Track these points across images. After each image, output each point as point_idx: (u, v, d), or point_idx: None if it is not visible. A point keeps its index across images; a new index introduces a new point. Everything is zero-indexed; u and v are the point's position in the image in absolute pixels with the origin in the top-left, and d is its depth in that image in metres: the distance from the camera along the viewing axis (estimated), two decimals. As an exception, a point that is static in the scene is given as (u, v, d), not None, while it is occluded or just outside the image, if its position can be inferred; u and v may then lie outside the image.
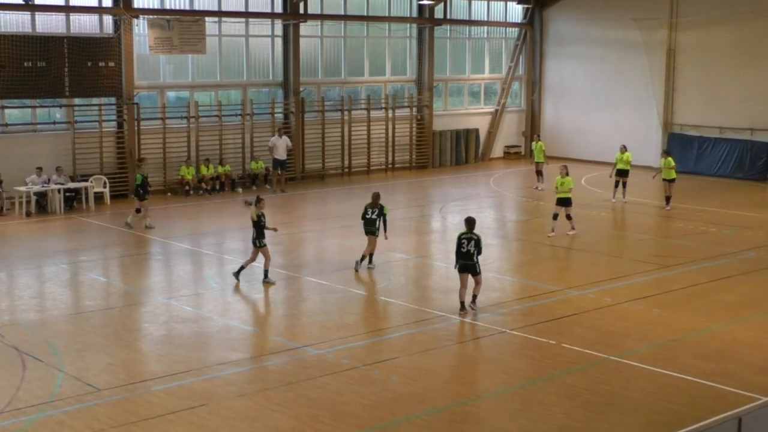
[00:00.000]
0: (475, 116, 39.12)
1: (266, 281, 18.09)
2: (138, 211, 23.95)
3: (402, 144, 36.35)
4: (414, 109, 36.68)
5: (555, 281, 18.49)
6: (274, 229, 18.89)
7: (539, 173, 31.00)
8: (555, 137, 39.48)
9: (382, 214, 19.28)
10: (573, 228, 23.39)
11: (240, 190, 30.69)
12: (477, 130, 38.86)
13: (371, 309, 16.69)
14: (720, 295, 17.69)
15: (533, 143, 31.89)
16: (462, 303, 16.09)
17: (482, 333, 15.01)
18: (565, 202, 23.25)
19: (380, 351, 14.09)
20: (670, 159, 27.25)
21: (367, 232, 19.37)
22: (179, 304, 16.72)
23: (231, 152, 31.65)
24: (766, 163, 33.40)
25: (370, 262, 19.52)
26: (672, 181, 27.07)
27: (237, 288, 17.84)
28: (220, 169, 30.63)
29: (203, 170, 30.26)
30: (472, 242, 15.76)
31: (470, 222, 16.08)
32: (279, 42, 32.67)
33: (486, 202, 29.01)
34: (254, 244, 18.12)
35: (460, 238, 15.91)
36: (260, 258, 18.35)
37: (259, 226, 18.00)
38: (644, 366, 13.47)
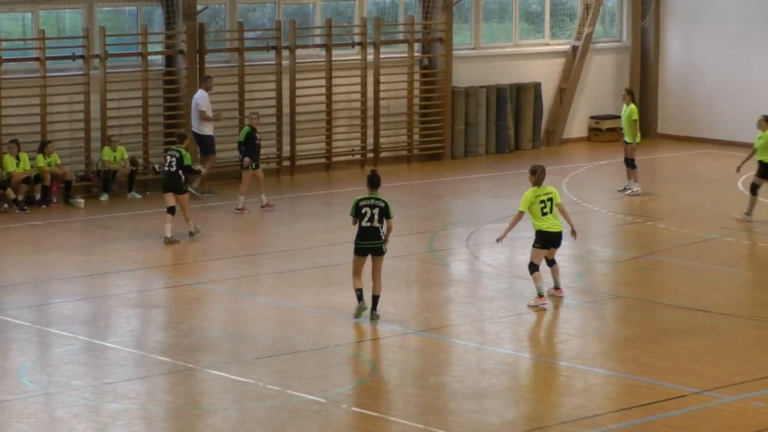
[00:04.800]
0: (533, 60, 39.45)
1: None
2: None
3: (394, 113, 36.55)
4: (417, 47, 36.96)
5: (687, 375, 18.65)
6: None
7: (630, 163, 31.44)
8: (685, 99, 39.75)
9: None
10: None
11: (79, 200, 30.65)
12: (538, 87, 39.15)
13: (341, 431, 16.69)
14: None
15: (623, 107, 32.37)
16: None
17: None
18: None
19: None
20: None
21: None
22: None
23: (62, 129, 31.73)
24: None
25: None
26: None
27: None
28: (41, 162, 30.42)
29: (8, 165, 30.15)
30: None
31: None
32: None
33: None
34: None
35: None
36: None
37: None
38: None
